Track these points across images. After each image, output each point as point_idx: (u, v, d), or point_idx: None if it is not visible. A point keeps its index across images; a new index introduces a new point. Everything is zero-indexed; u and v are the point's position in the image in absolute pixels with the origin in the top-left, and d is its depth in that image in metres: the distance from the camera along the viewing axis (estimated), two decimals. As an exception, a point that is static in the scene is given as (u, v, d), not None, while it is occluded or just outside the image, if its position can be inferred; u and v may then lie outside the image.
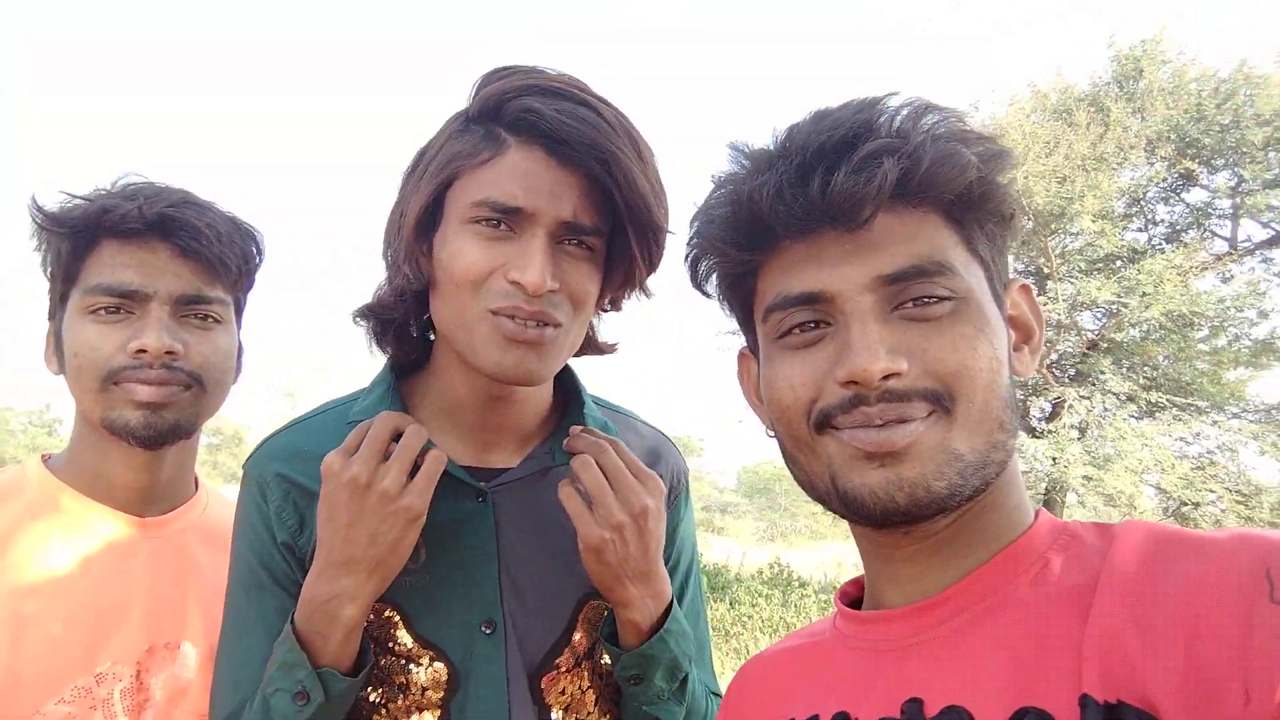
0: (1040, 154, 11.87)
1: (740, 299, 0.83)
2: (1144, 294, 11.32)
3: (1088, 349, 13.34)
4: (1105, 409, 12.75)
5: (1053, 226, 12.21)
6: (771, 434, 0.81)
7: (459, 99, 1.01)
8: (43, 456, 1.24)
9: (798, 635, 0.90)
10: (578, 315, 0.97)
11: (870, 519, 0.70)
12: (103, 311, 1.13)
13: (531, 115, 0.91)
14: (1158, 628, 0.57)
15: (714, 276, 0.83)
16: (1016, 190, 0.76)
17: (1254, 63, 11.73)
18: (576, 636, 1.05)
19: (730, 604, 10.97)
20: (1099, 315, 13.26)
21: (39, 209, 1.15)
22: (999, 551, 0.71)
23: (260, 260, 1.29)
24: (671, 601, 1.01)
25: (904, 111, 0.71)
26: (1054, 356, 14.50)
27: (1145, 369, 13.33)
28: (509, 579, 1.02)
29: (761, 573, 14.88)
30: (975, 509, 0.71)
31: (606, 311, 1.11)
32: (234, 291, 1.25)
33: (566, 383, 1.15)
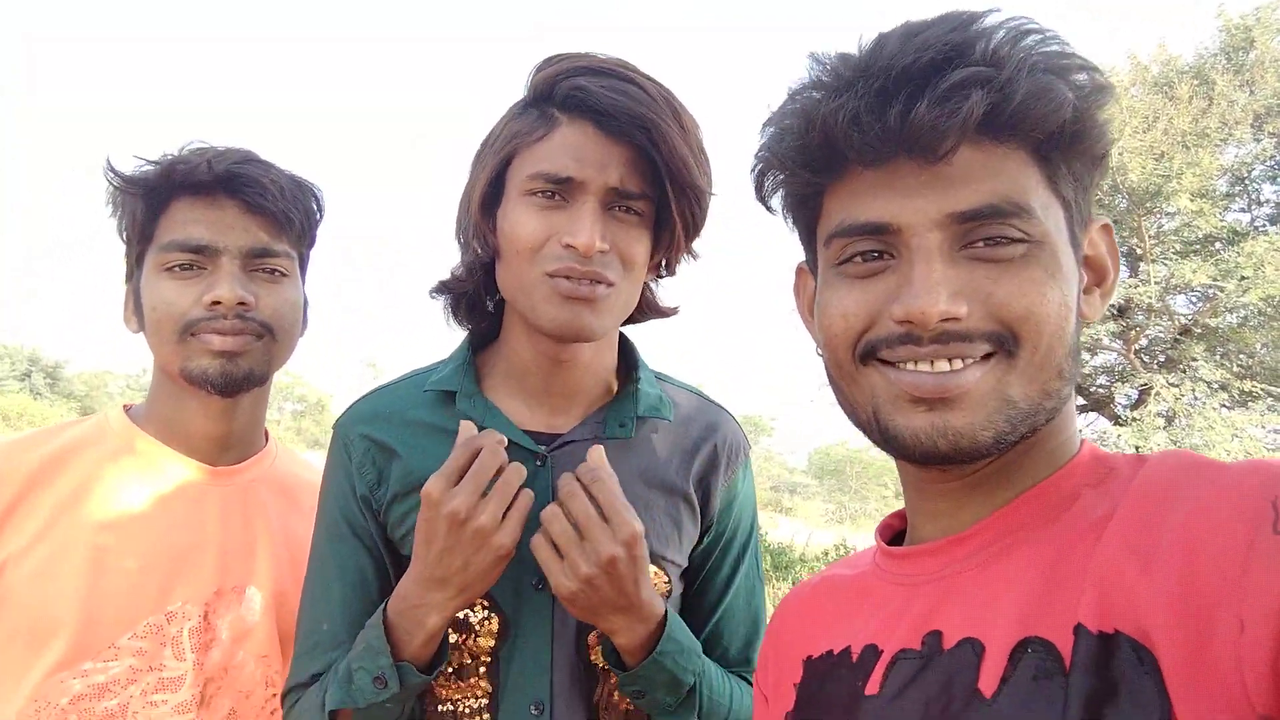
0: (1138, 129, 11.40)
1: (805, 218, 0.80)
2: (1243, 278, 10.81)
3: (1180, 334, 12.85)
4: (1195, 397, 12.27)
5: (1148, 205, 11.73)
6: (820, 353, 0.80)
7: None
8: (125, 407, 1.28)
9: (839, 565, 0.90)
10: (628, 274, 1.03)
11: (909, 459, 0.70)
12: (177, 268, 1.17)
13: (580, 93, 0.98)
14: (1157, 555, 0.56)
15: (780, 192, 0.81)
16: (1110, 140, 0.70)
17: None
18: None
19: (793, 583, 10.93)
20: (1194, 299, 12.74)
21: (114, 171, 1.19)
22: (1032, 487, 0.70)
23: (321, 216, 1.32)
24: (664, 619, 1.01)
25: (1000, 34, 0.65)
26: (1143, 342, 13.99)
27: (1240, 356, 12.77)
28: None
29: (827, 554, 14.75)
30: (1019, 448, 0.69)
31: (663, 277, 1.17)
32: (299, 246, 1.29)
33: (627, 354, 1.19)
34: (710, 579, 1.20)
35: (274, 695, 1.22)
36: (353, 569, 1.09)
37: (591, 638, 1.07)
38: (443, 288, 1.16)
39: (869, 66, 0.67)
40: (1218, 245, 12.16)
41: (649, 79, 1.02)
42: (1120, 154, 11.10)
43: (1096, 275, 0.74)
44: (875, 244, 0.70)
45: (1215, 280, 11.13)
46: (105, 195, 1.23)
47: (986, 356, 0.66)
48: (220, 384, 1.18)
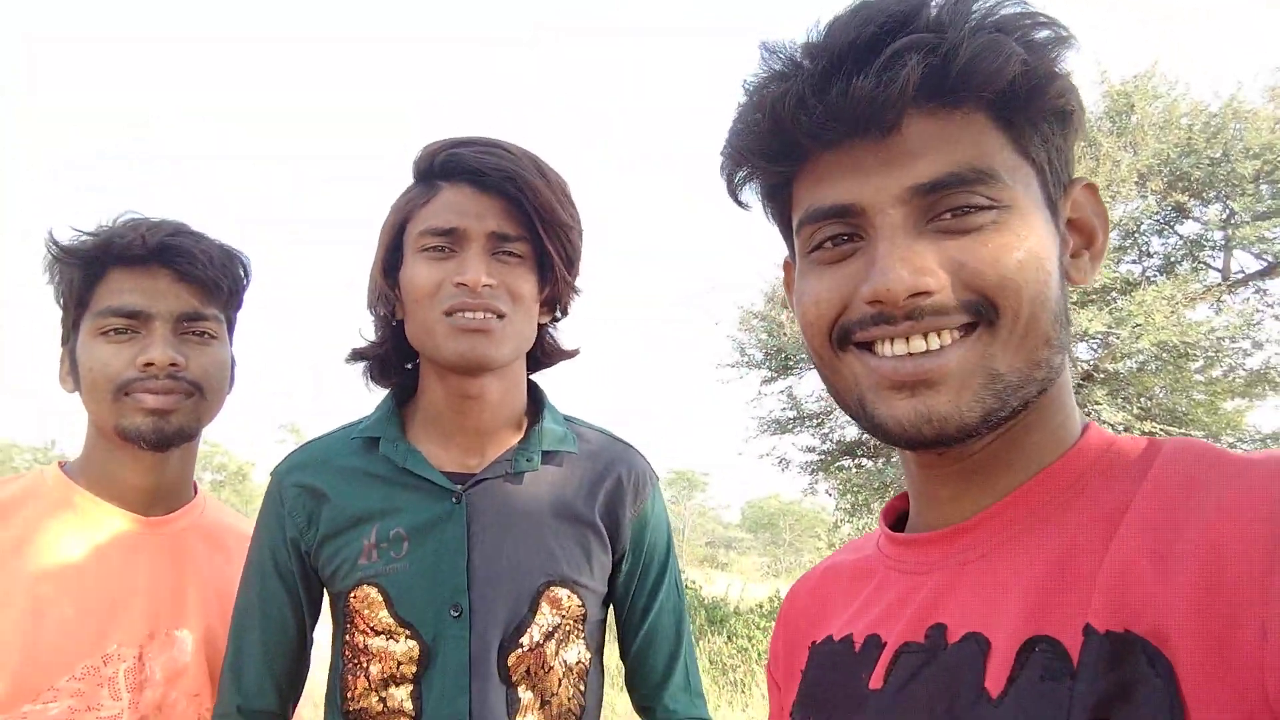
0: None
1: (778, 209, 0.80)
2: (1135, 325, 11.38)
3: (1083, 380, 13.38)
4: (1101, 440, 12.74)
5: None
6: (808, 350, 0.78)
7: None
8: (59, 463, 1.37)
9: (846, 550, 0.88)
10: (517, 306, 1.17)
11: (899, 446, 0.69)
12: (112, 332, 1.27)
13: (454, 159, 1.15)
14: (1176, 557, 0.53)
15: (752, 186, 0.79)
16: (1076, 95, 0.67)
17: (1243, 97, 11.89)
18: (538, 618, 1.18)
19: (729, 637, 10.93)
20: (1094, 346, 13.33)
21: (54, 242, 1.29)
22: (1037, 473, 0.67)
23: (248, 282, 1.43)
24: None
25: (949, 1, 0.64)
26: (1051, 388, 14.50)
27: (1141, 400, 13.36)
28: (478, 568, 1.17)
29: (761, 606, 14.81)
30: (1016, 430, 0.68)
31: (558, 319, 1.32)
32: (226, 310, 1.40)
33: (535, 399, 1.32)
34: (634, 603, 1.31)
35: None
36: (274, 606, 1.23)
37: (512, 659, 1.16)
38: (357, 355, 1.29)
39: (816, 48, 0.66)
40: (1113, 295, 12.79)
41: (514, 145, 1.18)
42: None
43: (1085, 237, 0.71)
44: (842, 227, 0.69)
45: (1110, 328, 11.71)
46: (41, 263, 1.31)
47: (969, 330, 0.64)
48: (153, 440, 1.27)
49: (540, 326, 1.28)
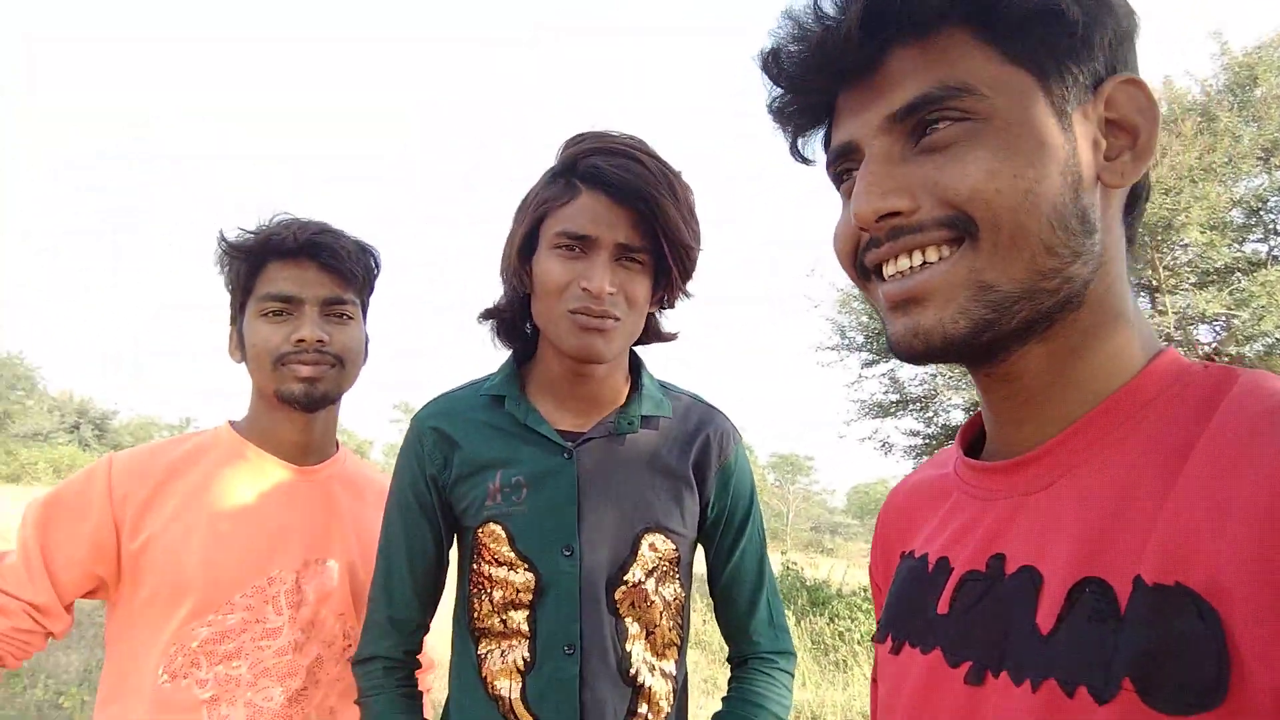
0: (1146, 165, 11.54)
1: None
2: (1258, 306, 10.89)
3: (1204, 362, 12.81)
4: (1222, 426, 12.19)
5: (1160, 238, 11.87)
6: None
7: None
8: (230, 421, 1.66)
9: (932, 464, 0.89)
10: (632, 310, 1.31)
11: (912, 362, 0.69)
12: (271, 314, 1.54)
13: (595, 170, 1.26)
14: (1235, 506, 0.52)
15: (805, 142, 0.81)
16: None
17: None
18: (638, 559, 1.35)
19: (830, 619, 11.03)
20: (1217, 329, 12.78)
21: (224, 239, 1.58)
22: (1099, 402, 0.66)
23: (378, 271, 1.70)
24: None
25: None
26: (1168, 372, 13.87)
27: (1267, 385, 12.72)
28: (586, 515, 1.34)
29: (865, 589, 14.78)
30: (1061, 350, 0.67)
31: (665, 309, 1.47)
32: (361, 295, 1.66)
33: (634, 367, 1.50)
34: (721, 544, 1.48)
35: (349, 645, 1.58)
36: (418, 533, 1.42)
37: (618, 594, 1.33)
38: (488, 314, 1.46)
39: (787, 18, 0.70)
40: (1236, 275, 12.24)
41: (652, 157, 1.28)
42: (1130, 189, 11.26)
43: (1128, 136, 0.67)
44: (852, 163, 0.72)
45: (1230, 309, 11.24)
46: (213, 257, 1.60)
47: (957, 245, 0.64)
48: (304, 402, 1.54)
49: (648, 313, 1.41)
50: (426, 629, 1.50)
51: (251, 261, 1.56)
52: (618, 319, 1.28)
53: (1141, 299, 15.28)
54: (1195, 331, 12.78)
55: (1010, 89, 0.64)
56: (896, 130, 0.67)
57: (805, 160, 0.81)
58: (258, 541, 1.52)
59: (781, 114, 0.76)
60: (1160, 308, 12.06)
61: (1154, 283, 12.42)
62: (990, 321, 0.63)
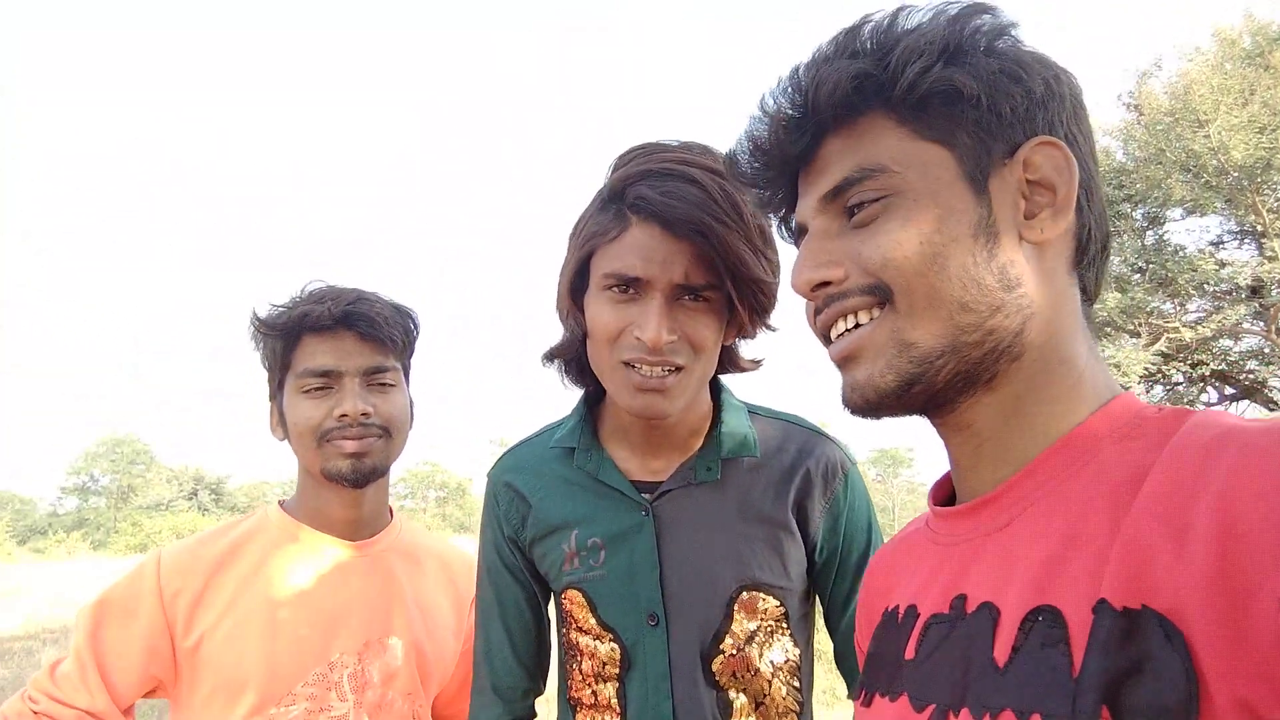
0: (1234, 105, 10.93)
1: None
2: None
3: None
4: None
5: (1260, 180, 11.18)
6: None
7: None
8: (279, 502, 1.61)
9: (915, 521, 0.91)
10: (698, 356, 1.15)
11: (862, 417, 0.75)
12: (312, 390, 1.49)
13: (643, 200, 1.09)
14: (1191, 528, 0.53)
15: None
16: (962, 70, 0.68)
17: None
18: (734, 624, 1.20)
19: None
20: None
21: (257, 318, 1.53)
22: (1052, 443, 0.68)
23: (417, 334, 1.63)
24: None
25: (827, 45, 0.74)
26: (1285, 320, 13.14)
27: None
28: (670, 578, 1.21)
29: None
30: (1010, 397, 0.70)
31: (744, 339, 1.28)
32: (402, 359, 1.60)
33: (716, 394, 1.33)
34: (835, 593, 1.30)
35: None
36: (509, 594, 1.34)
37: (716, 664, 1.19)
38: (551, 355, 1.31)
39: (745, 134, 0.81)
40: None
41: (711, 176, 1.10)
42: (1219, 133, 10.69)
43: (1048, 194, 0.70)
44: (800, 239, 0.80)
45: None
46: (248, 334, 1.56)
47: (880, 308, 0.70)
48: (352, 479, 1.48)
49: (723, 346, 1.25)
50: (538, 692, 1.39)
51: (288, 338, 1.51)
52: (680, 367, 1.13)
53: (1246, 246, 14.47)
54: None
55: (920, 163, 0.69)
56: (830, 209, 0.73)
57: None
58: (317, 626, 1.46)
59: (760, 202, 0.84)
60: (1269, 253, 11.36)
61: (1258, 227, 11.71)
62: (917, 375, 0.68)
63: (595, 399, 1.35)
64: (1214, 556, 0.51)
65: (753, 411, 1.33)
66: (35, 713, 1.36)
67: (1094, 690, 0.54)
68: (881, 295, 0.69)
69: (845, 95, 0.70)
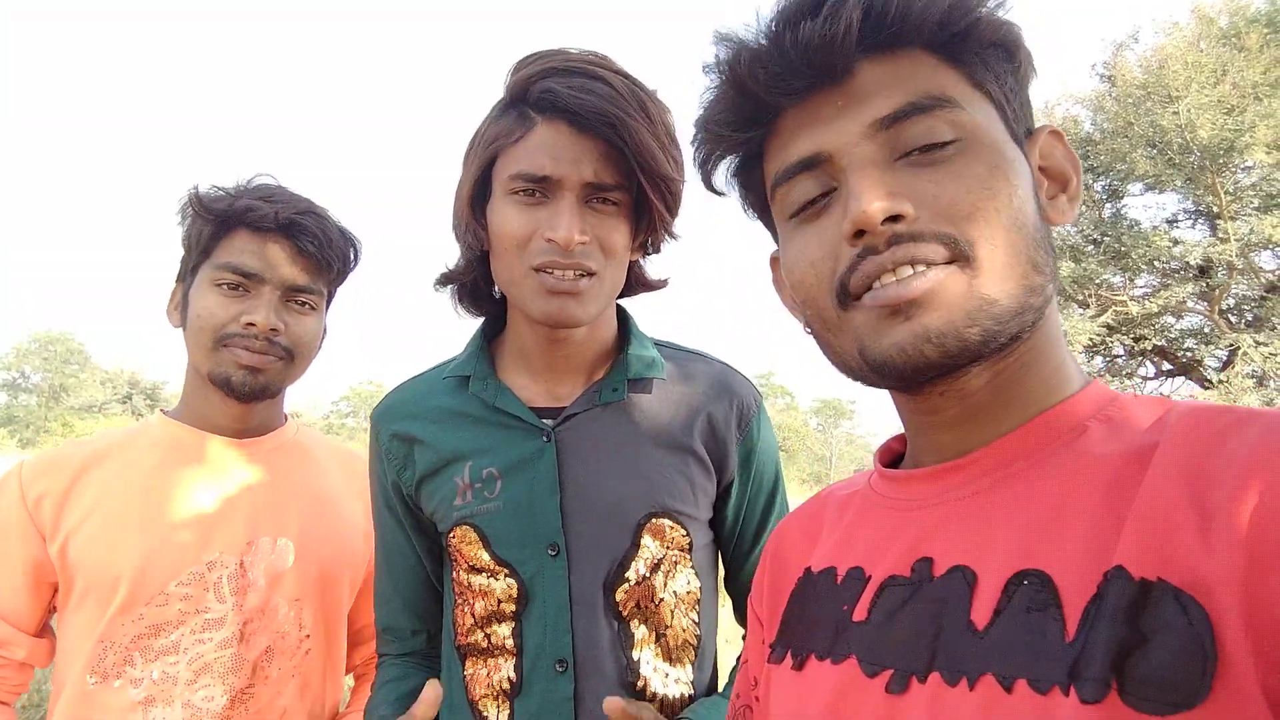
0: (1205, 84, 10.96)
1: (753, 189, 0.80)
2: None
3: (1267, 291, 12.29)
4: (1287, 356, 11.73)
5: (1221, 161, 11.28)
6: (808, 330, 0.77)
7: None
8: (161, 409, 1.49)
9: (839, 485, 0.88)
10: (610, 261, 1.11)
11: (904, 379, 0.66)
12: (225, 286, 1.34)
13: (550, 95, 1.05)
14: (1218, 507, 0.52)
15: (727, 172, 0.80)
16: (1015, 30, 0.69)
17: None
18: (641, 551, 1.15)
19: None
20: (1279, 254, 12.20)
21: (196, 195, 1.37)
22: (1035, 416, 0.66)
23: (356, 264, 1.50)
24: None
25: None
26: (1229, 301, 13.42)
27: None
28: (573, 506, 1.15)
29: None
30: (1012, 367, 0.67)
31: (649, 254, 1.25)
32: (330, 285, 1.47)
33: (623, 324, 1.28)
34: (744, 531, 1.27)
35: (306, 636, 1.39)
36: (391, 539, 1.27)
37: (620, 594, 1.13)
38: (445, 279, 1.25)
39: (766, 17, 0.69)
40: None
41: (618, 73, 1.08)
42: (1188, 111, 10.71)
43: (1058, 182, 0.71)
44: (814, 183, 0.69)
45: (1296, 232, 10.66)
46: (176, 204, 1.41)
47: (949, 262, 0.63)
48: (240, 392, 1.36)
49: (630, 261, 1.22)
50: (431, 636, 1.31)
51: (219, 225, 1.36)
52: (593, 273, 1.09)
53: (1199, 226, 14.70)
54: (1259, 259, 12.22)
55: (980, 110, 0.66)
56: (879, 138, 0.66)
57: (717, 191, 0.82)
58: (193, 524, 1.34)
59: (720, 124, 0.74)
60: (1221, 234, 11.51)
61: (1214, 209, 11.86)
62: (995, 333, 0.62)
63: (493, 330, 1.29)
64: (1238, 535, 0.50)
65: (660, 344, 1.30)
66: None
67: (1102, 657, 0.52)
68: (958, 249, 0.62)
69: (909, 21, 0.65)
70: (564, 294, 1.07)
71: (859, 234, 0.64)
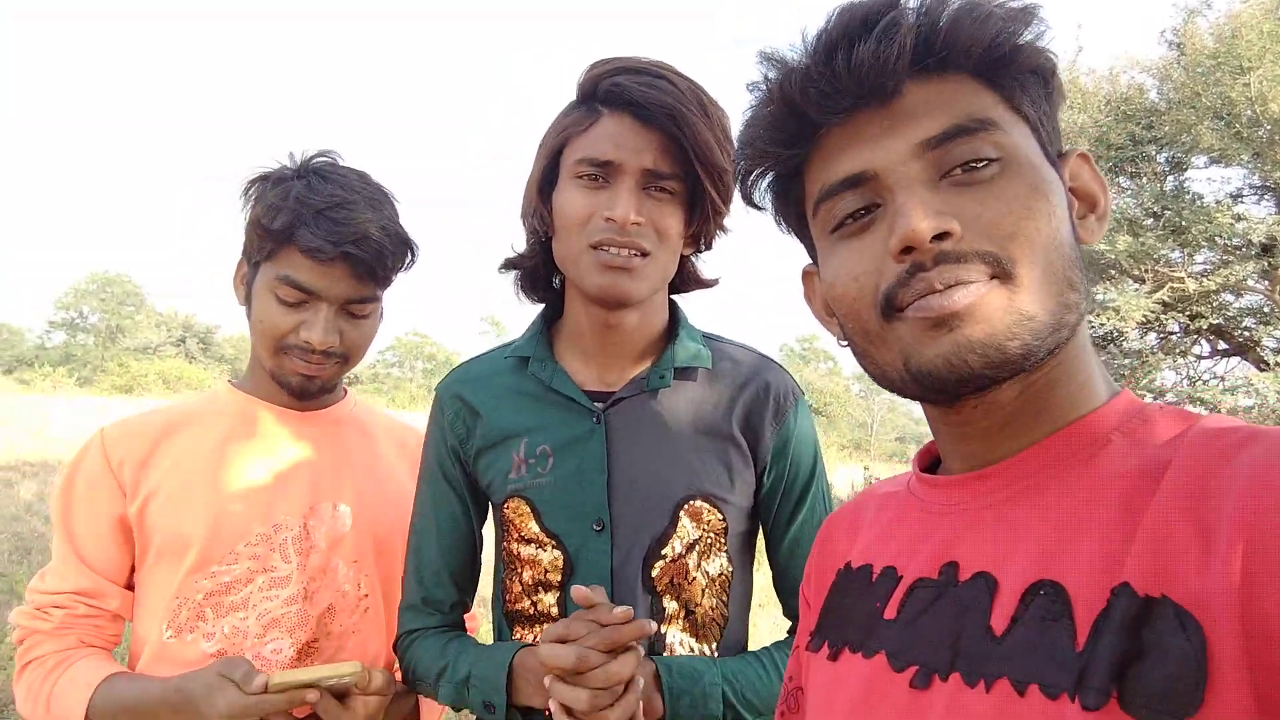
0: (1278, 57, 10.54)
1: (793, 205, 0.82)
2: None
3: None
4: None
5: (1292, 132, 10.87)
6: (844, 343, 0.79)
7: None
8: (229, 380, 1.57)
9: (885, 482, 0.91)
10: (663, 244, 1.19)
11: (946, 391, 0.67)
12: (284, 299, 1.39)
13: (617, 88, 1.16)
14: (1218, 527, 0.54)
15: (767, 189, 0.83)
16: (1051, 58, 0.71)
17: None
18: (678, 531, 1.23)
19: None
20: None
21: (255, 209, 1.40)
22: (1063, 427, 0.68)
23: (414, 261, 1.52)
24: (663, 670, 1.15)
25: None
26: (1292, 282, 13.02)
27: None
28: (618, 484, 1.23)
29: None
30: (1041, 382, 0.69)
31: (701, 251, 1.33)
32: (385, 287, 1.49)
33: (674, 317, 1.35)
34: (779, 517, 1.32)
35: (365, 595, 1.48)
36: (445, 508, 1.35)
37: (656, 570, 1.21)
38: (509, 264, 1.35)
39: (814, 37, 0.71)
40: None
41: (680, 75, 1.18)
42: (1260, 83, 10.34)
43: (1088, 202, 0.74)
44: (859, 198, 0.71)
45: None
46: (241, 189, 1.44)
47: (990, 278, 0.65)
48: (297, 393, 1.46)
49: (682, 256, 1.29)
50: (466, 608, 1.40)
51: (276, 241, 1.39)
52: (646, 253, 1.17)
53: (1265, 202, 14.24)
54: None
55: (1018, 132, 0.69)
56: (925, 158, 0.67)
57: (758, 206, 0.85)
58: (260, 487, 1.43)
59: (766, 140, 0.76)
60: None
61: (1282, 185, 11.45)
62: (1034, 348, 0.64)
63: (552, 315, 1.37)
64: (1238, 557, 0.52)
65: (707, 336, 1.37)
66: (35, 607, 1.40)
67: (1105, 668, 0.54)
68: (1000, 267, 0.64)
69: (956, 46, 0.67)
70: (618, 269, 1.16)
71: (906, 250, 0.66)
